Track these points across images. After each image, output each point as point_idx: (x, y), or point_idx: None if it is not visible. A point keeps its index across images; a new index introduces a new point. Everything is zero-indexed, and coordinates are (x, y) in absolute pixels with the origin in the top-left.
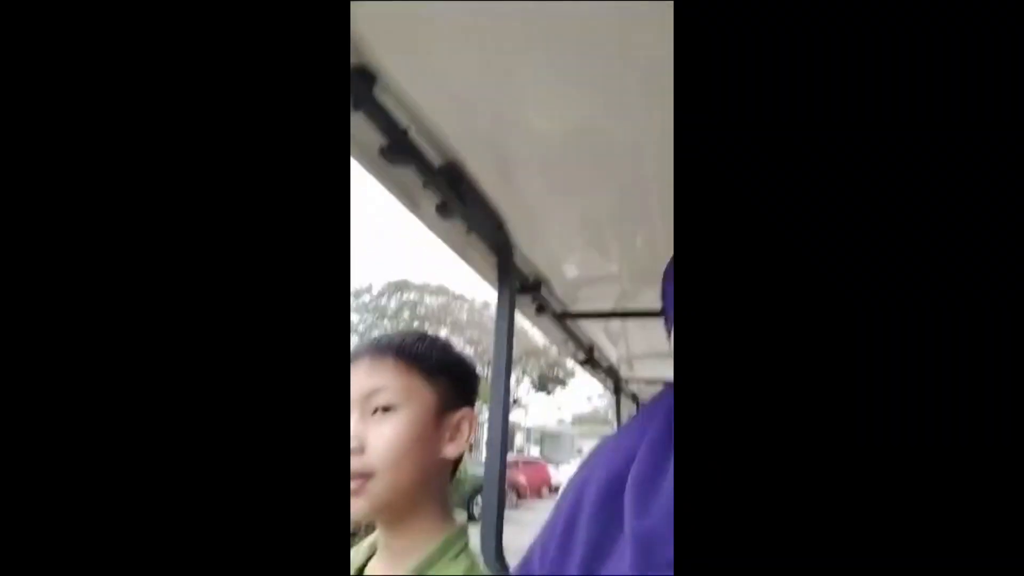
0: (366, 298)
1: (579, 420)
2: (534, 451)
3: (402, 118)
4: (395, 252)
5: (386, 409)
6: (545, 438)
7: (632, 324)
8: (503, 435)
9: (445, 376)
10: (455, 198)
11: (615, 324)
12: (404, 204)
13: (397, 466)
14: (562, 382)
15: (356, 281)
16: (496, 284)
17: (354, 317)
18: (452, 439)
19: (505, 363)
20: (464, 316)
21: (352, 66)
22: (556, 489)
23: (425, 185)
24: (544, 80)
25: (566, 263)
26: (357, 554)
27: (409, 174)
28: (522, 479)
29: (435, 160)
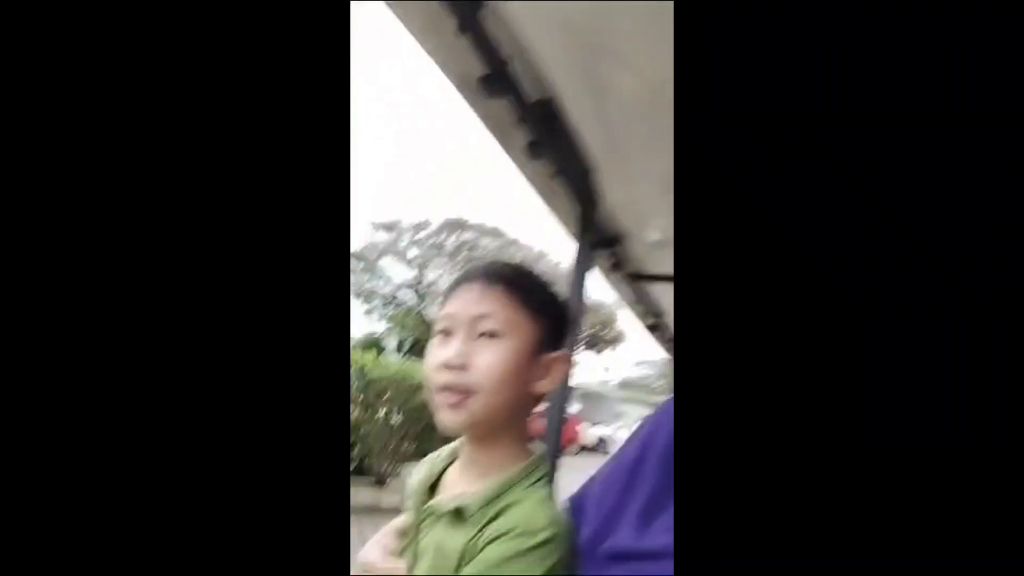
0: (423, 234)
1: (626, 384)
2: (571, 408)
3: (505, 47)
4: (452, 189)
5: (491, 335)
6: (586, 396)
7: None
8: (564, 387)
9: (548, 316)
10: (547, 137)
11: None
12: (496, 139)
13: (495, 389)
14: (611, 343)
15: (414, 216)
16: (575, 234)
17: (411, 252)
18: (545, 377)
19: (576, 315)
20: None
21: None
22: (585, 448)
23: (519, 121)
24: (656, 17)
25: (649, 222)
26: (436, 459)
27: (504, 107)
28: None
29: (532, 95)
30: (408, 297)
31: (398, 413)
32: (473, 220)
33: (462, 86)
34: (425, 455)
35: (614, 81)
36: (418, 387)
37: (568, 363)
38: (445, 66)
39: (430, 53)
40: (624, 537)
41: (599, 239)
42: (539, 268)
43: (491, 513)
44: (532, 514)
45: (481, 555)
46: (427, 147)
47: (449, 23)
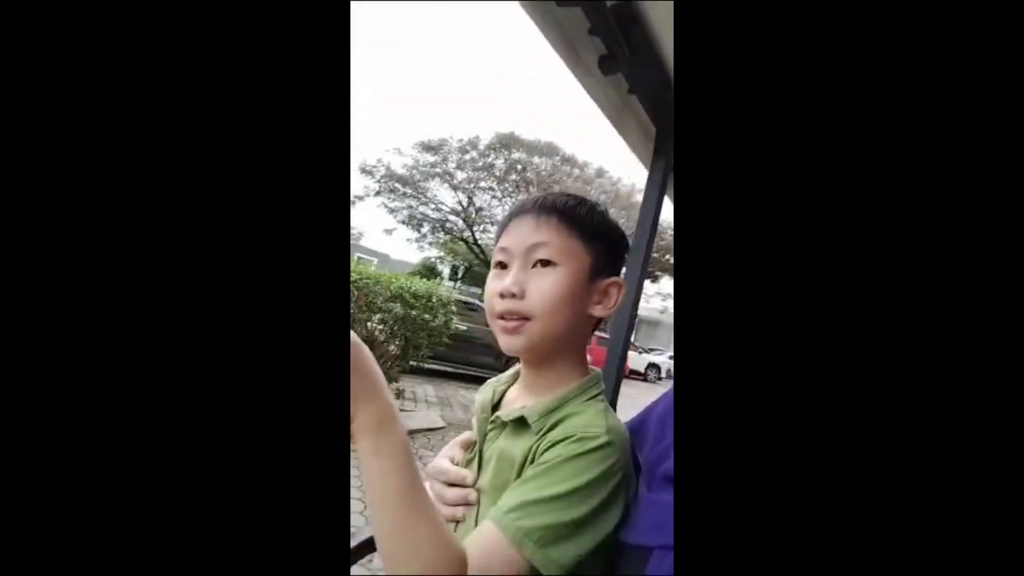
0: (471, 154)
1: None
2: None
3: None
4: (503, 104)
5: (545, 263)
6: (642, 322)
7: None
8: (632, 310)
9: (601, 242)
10: (623, 46)
11: None
12: (562, 55)
13: (551, 315)
14: (670, 271)
15: (462, 132)
16: (648, 157)
17: (460, 175)
18: (600, 302)
19: (647, 243)
20: (575, 185)
21: None
22: (632, 374)
23: (592, 31)
24: None
25: None
26: (497, 383)
27: (576, 18)
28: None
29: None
30: (458, 223)
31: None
32: (525, 136)
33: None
34: (408, 359)
35: None
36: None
37: (623, 288)
38: None
39: None
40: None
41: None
42: (597, 186)
43: (551, 422)
44: (589, 421)
45: (543, 456)
46: (478, 61)
47: None
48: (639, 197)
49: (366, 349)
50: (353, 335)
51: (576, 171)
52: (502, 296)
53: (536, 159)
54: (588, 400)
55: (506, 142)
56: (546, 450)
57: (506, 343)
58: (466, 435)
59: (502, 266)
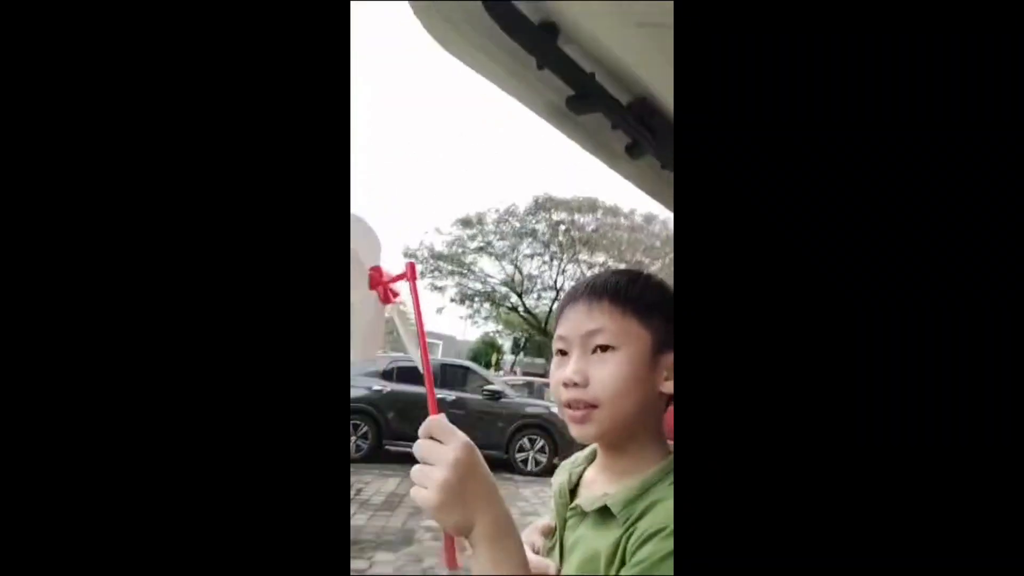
0: (513, 222)
1: None
2: None
3: (586, 65)
4: (536, 170)
5: (604, 348)
6: None
7: None
8: None
9: (659, 317)
10: (647, 134)
11: None
12: (591, 151)
13: (618, 400)
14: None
15: (499, 201)
16: None
17: (501, 244)
18: (669, 377)
19: None
20: (624, 236)
21: (536, 23)
22: None
23: (614, 127)
24: None
25: None
26: (574, 465)
27: (596, 119)
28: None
29: (623, 98)
30: (510, 295)
31: None
32: (561, 195)
33: (549, 114)
34: None
35: None
36: None
37: None
38: (528, 100)
39: (511, 93)
40: None
41: None
42: (648, 233)
43: (636, 511)
44: None
45: (637, 555)
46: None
47: (527, 61)
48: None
49: (479, 454)
50: (467, 439)
51: (623, 220)
52: (566, 385)
53: (578, 216)
54: (672, 483)
55: (544, 204)
56: (639, 546)
57: (577, 432)
58: (545, 521)
59: (562, 353)
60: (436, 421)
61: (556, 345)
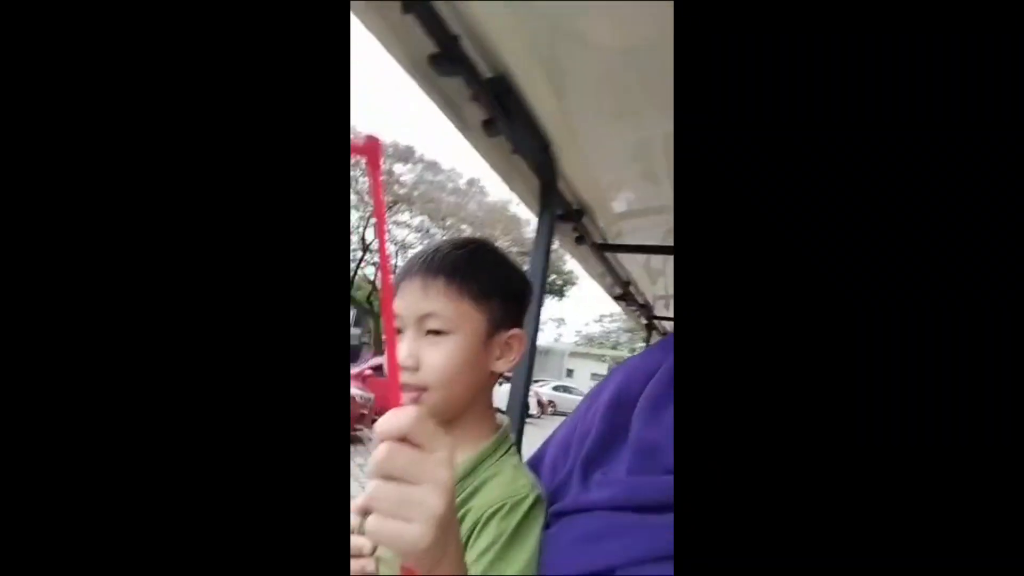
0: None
1: (586, 340)
2: None
3: (454, 25)
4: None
5: (438, 332)
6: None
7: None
8: (530, 358)
9: (496, 298)
10: (502, 114)
11: (657, 261)
12: (449, 118)
13: (449, 384)
14: (559, 292)
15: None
16: (536, 210)
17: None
18: (502, 356)
19: (539, 290)
20: (447, 199)
21: None
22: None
23: (472, 98)
24: None
25: (613, 193)
26: None
27: (457, 85)
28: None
29: (485, 71)
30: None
31: None
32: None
33: (411, 67)
34: None
35: (570, 54)
36: None
37: (524, 339)
38: (392, 47)
39: (375, 34)
40: (567, 496)
41: (561, 213)
42: (476, 201)
43: (469, 488)
44: (513, 482)
45: (478, 543)
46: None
47: (394, 3)
48: (514, 210)
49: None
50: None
51: (446, 182)
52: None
53: (396, 166)
54: (502, 457)
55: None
56: (479, 534)
57: None
58: (360, 500)
59: (399, 331)
60: (414, 417)
61: (395, 323)
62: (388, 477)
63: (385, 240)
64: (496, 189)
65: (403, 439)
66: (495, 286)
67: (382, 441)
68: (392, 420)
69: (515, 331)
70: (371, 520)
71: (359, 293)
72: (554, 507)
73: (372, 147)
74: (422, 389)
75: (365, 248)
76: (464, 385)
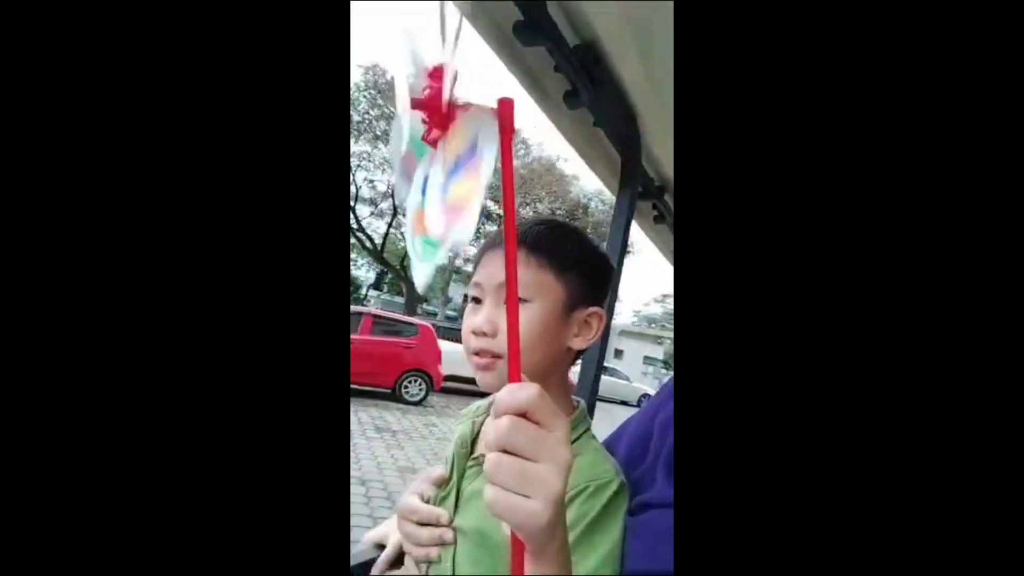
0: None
1: (644, 321)
2: None
3: None
4: None
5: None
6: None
7: None
8: (604, 341)
9: (577, 272)
10: (587, 83)
11: None
12: (528, 91)
13: (525, 352)
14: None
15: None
16: (615, 187)
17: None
18: (579, 334)
19: (617, 270)
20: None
21: None
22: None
23: (556, 68)
24: None
25: None
26: (476, 414)
27: (540, 56)
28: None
29: (571, 39)
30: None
31: None
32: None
33: (492, 36)
34: None
35: (658, 25)
36: None
37: (603, 318)
38: (473, 15)
39: (458, 7)
40: (651, 489)
41: (641, 191)
42: (577, 188)
43: None
44: (596, 465)
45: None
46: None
47: None
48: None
49: None
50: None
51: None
52: (475, 333)
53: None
54: (579, 438)
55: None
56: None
57: (481, 380)
58: (438, 471)
59: (477, 301)
60: (536, 393)
61: (472, 292)
62: (510, 451)
63: (514, 206)
64: (539, 146)
65: (523, 415)
66: (576, 261)
67: (501, 415)
68: (514, 394)
69: (595, 309)
70: (490, 491)
71: (390, 255)
72: (639, 498)
73: (506, 108)
74: (497, 356)
75: (395, 211)
76: (541, 354)
